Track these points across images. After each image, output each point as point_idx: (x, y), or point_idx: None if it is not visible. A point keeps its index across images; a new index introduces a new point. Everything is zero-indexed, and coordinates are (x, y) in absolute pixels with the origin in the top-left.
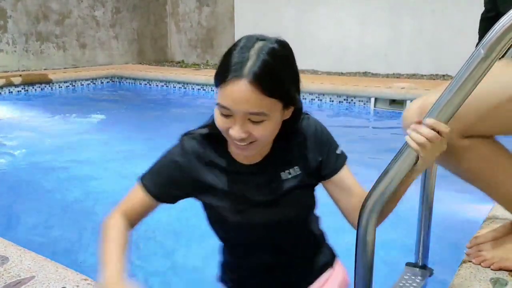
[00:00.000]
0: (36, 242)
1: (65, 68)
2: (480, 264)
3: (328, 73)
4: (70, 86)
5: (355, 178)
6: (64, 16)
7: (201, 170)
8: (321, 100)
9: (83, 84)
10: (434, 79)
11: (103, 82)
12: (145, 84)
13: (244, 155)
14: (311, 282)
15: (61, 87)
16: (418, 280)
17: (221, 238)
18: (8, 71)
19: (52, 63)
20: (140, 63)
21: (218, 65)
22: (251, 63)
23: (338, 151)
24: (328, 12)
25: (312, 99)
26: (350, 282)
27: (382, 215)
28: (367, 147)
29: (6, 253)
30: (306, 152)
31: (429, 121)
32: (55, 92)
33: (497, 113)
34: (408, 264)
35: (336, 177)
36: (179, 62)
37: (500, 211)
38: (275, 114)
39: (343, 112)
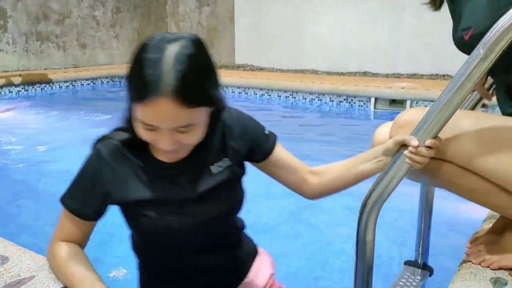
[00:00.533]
0: (36, 242)
1: (65, 68)
2: (480, 264)
3: (328, 73)
4: (70, 86)
5: (291, 154)
6: (64, 16)
7: (123, 176)
8: (321, 100)
9: (83, 84)
10: (434, 79)
11: (103, 82)
12: None
13: (169, 160)
14: (243, 275)
15: (61, 87)
16: (417, 280)
17: (146, 242)
18: (8, 71)
19: (52, 63)
20: None
21: (129, 74)
22: (168, 78)
23: (266, 132)
24: (328, 12)
25: (312, 99)
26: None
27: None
28: (367, 147)
29: (6, 253)
30: (232, 143)
31: (429, 142)
32: (55, 92)
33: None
34: (408, 263)
35: (272, 156)
36: None
37: None
38: (203, 119)
39: (343, 112)
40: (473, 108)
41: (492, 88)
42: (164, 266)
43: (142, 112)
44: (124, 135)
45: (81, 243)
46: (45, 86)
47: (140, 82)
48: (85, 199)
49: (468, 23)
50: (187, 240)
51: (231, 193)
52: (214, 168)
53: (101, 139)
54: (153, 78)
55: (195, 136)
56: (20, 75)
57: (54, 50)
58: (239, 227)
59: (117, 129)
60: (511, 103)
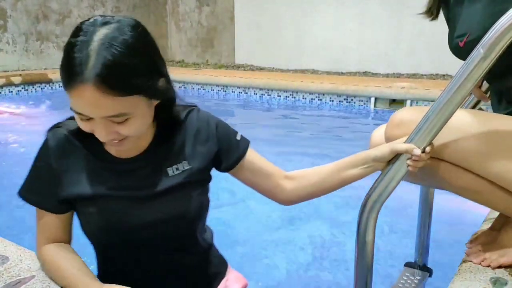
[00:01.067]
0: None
1: None
2: (480, 263)
3: (328, 73)
4: None
5: (265, 159)
6: (64, 16)
7: (70, 168)
8: (321, 100)
9: None
10: (434, 79)
11: None
12: None
13: (120, 150)
14: None
15: (61, 86)
16: (417, 280)
17: (98, 244)
18: (8, 71)
19: (52, 62)
20: None
21: (62, 56)
22: (92, 63)
23: (238, 137)
24: (328, 12)
25: (312, 99)
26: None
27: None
28: (367, 147)
29: (6, 253)
30: (196, 146)
31: (428, 149)
32: (55, 91)
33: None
34: (407, 264)
35: (244, 162)
36: (179, 62)
37: None
38: (140, 109)
39: (343, 112)
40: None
41: (489, 91)
42: (120, 261)
43: (71, 100)
44: (74, 125)
45: (64, 238)
46: (45, 86)
47: (65, 68)
48: (41, 191)
49: (463, 29)
50: (135, 240)
51: (185, 199)
52: (170, 170)
53: (52, 128)
54: (77, 62)
55: (133, 128)
56: (20, 75)
57: (54, 50)
58: (204, 243)
59: (71, 118)
60: (502, 106)
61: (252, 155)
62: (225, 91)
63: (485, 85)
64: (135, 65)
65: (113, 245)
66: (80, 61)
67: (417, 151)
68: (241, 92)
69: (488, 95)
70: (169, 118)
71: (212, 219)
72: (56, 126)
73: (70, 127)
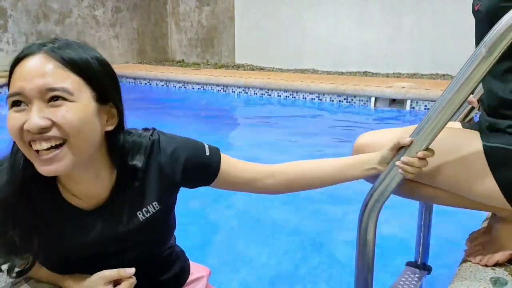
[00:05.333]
0: None
1: None
2: (479, 263)
3: (328, 73)
4: None
5: (242, 161)
6: (64, 16)
7: (26, 221)
8: (321, 99)
9: None
10: (434, 79)
11: None
12: (145, 84)
13: (53, 171)
14: None
15: None
16: (417, 279)
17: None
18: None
19: None
20: (141, 63)
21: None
22: (48, 42)
23: (207, 153)
24: (328, 12)
25: (312, 99)
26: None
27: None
28: None
29: None
30: (163, 183)
31: (421, 154)
32: None
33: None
34: (408, 263)
35: (220, 175)
36: (180, 62)
37: None
38: (83, 99)
39: (343, 112)
40: (466, 116)
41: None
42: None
43: (12, 81)
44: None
45: None
46: None
47: (15, 58)
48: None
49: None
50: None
51: (154, 234)
52: (140, 214)
53: None
54: (30, 45)
55: (69, 115)
56: None
57: None
58: (170, 251)
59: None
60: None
61: (227, 168)
62: (225, 91)
63: (480, 92)
64: (93, 60)
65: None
66: (33, 44)
67: (407, 140)
68: (241, 92)
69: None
70: (125, 155)
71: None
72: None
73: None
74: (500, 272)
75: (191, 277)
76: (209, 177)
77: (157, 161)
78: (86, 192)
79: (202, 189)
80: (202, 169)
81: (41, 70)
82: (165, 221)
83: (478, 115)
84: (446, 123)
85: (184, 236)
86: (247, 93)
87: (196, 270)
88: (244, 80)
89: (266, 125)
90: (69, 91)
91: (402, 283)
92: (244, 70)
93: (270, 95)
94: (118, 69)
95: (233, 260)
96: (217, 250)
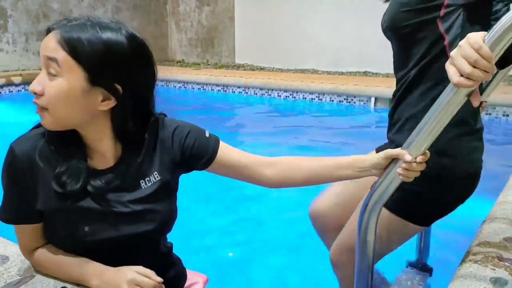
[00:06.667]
0: None
1: None
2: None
3: (328, 73)
4: None
5: (241, 150)
6: (64, 16)
7: (42, 182)
8: (321, 99)
9: None
10: None
11: None
12: None
13: (43, 124)
14: None
15: None
16: (418, 279)
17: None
18: (9, 71)
19: None
20: None
21: None
22: (67, 22)
23: (206, 135)
24: (328, 11)
25: (312, 99)
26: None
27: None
28: (367, 146)
29: (6, 253)
30: (163, 156)
31: (420, 159)
32: None
33: None
34: (408, 263)
35: (218, 158)
36: (179, 62)
37: (500, 211)
38: (70, 78)
39: (343, 112)
40: None
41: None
42: None
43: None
44: (39, 137)
45: (44, 241)
46: None
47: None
48: (20, 205)
49: (385, 13)
50: (97, 252)
51: (156, 210)
52: (143, 183)
53: (17, 142)
54: (58, 21)
55: (54, 90)
56: (20, 74)
57: None
58: (165, 246)
59: (35, 127)
60: None
61: (224, 150)
62: (225, 91)
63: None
64: (88, 43)
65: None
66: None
67: (408, 157)
68: (241, 92)
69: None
70: (139, 129)
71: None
72: (20, 140)
73: (36, 142)
74: (500, 272)
75: (187, 283)
76: (208, 156)
77: (159, 136)
78: (95, 156)
79: (201, 194)
80: (201, 147)
81: (47, 43)
82: (166, 199)
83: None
84: (442, 127)
85: (180, 244)
86: (247, 93)
87: (192, 277)
88: (244, 80)
89: (266, 125)
90: (59, 63)
91: (402, 284)
92: (244, 70)
93: (270, 95)
94: None
95: (230, 267)
96: (214, 257)
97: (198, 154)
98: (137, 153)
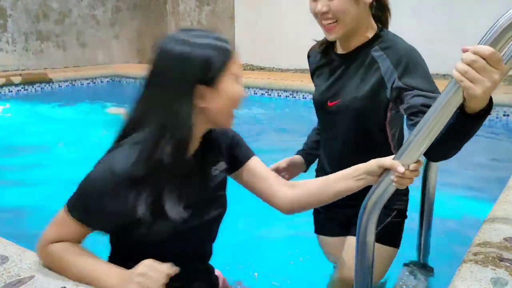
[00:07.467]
0: (36, 242)
1: (65, 68)
2: None
3: None
4: (70, 85)
5: (269, 169)
6: (64, 15)
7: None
8: None
9: (83, 84)
10: (434, 79)
11: (103, 82)
12: None
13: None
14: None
15: (61, 86)
16: (418, 279)
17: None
18: (8, 70)
19: (52, 62)
20: (141, 62)
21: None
22: None
23: (246, 144)
24: None
25: (312, 99)
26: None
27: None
28: None
29: (6, 253)
30: (223, 145)
31: (412, 167)
32: (55, 91)
33: None
34: (409, 263)
35: (249, 164)
36: None
37: (501, 211)
38: None
39: None
40: None
41: None
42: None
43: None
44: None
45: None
46: (45, 86)
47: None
48: (97, 212)
49: (337, 95)
50: (189, 245)
51: (222, 198)
52: (214, 171)
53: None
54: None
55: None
56: (20, 74)
57: (54, 50)
58: (211, 254)
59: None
60: None
61: (256, 160)
62: None
63: None
64: None
65: (164, 251)
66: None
67: (401, 169)
68: None
69: None
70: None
71: None
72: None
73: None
74: (500, 272)
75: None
76: (245, 155)
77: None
78: None
79: None
80: (242, 145)
81: None
82: (225, 188)
83: None
84: (433, 139)
85: None
86: (247, 93)
87: (219, 276)
88: (244, 80)
89: (266, 125)
90: None
91: (402, 284)
92: (244, 70)
93: (270, 95)
94: (118, 69)
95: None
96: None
97: (237, 152)
98: (210, 138)
